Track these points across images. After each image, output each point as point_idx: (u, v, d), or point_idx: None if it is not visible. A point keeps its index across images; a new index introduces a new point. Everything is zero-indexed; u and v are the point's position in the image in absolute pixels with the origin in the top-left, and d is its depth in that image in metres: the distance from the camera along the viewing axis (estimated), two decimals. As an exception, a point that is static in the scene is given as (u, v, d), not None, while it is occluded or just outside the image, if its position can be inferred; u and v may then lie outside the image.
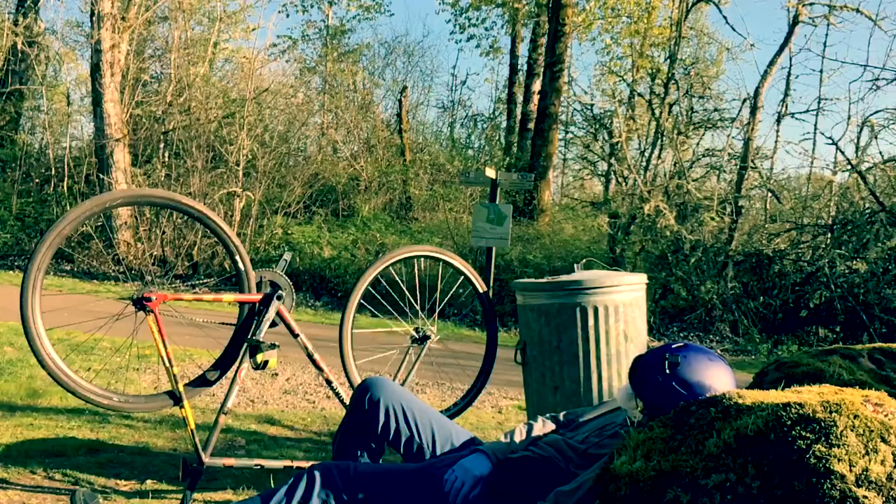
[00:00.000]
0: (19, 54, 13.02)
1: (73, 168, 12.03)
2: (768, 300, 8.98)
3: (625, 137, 11.25)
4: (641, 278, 2.89)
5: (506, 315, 8.95)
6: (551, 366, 2.82)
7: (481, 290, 3.14)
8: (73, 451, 2.96)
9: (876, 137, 9.63)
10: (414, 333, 3.00)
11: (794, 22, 10.00)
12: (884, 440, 1.22)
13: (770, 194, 10.38)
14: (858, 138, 10.06)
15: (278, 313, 2.60)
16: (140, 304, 2.35)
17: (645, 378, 1.73)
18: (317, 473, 1.80)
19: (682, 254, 9.55)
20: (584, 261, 3.26)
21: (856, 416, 1.26)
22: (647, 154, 11.41)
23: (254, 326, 2.55)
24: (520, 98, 15.44)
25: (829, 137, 10.97)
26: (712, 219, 9.40)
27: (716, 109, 12.42)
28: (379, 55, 19.63)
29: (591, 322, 2.73)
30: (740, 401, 1.40)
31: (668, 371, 1.68)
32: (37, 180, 12.77)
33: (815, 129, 12.75)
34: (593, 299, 2.73)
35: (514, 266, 10.15)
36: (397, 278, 3.06)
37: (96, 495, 2.31)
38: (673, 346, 1.75)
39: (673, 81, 11.27)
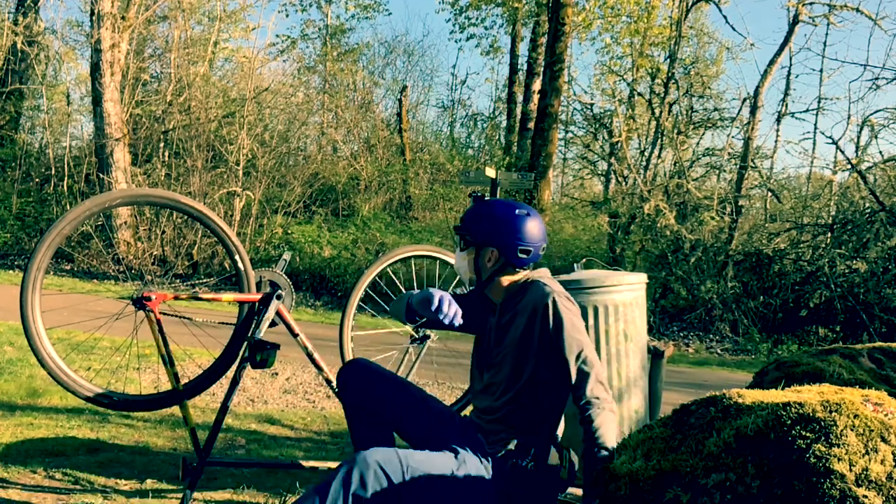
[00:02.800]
0: (19, 54, 13.01)
1: (73, 167, 12.02)
2: (768, 300, 8.97)
3: (625, 137, 11.25)
4: (641, 278, 2.89)
5: (506, 315, 8.94)
6: (551, 365, 2.82)
7: (481, 290, 3.13)
8: (73, 451, 2.96)
9: (876, 137, 9.65)
10: (413, 333, 3.00)
11: (794, 21, 10.00)
12: (884, 440, 1.22)
13: (770, 194, 10.37)
14: (858, 138, 10.08)
15: (278, 313, 2.60)
16: (140, 303, 2.36)
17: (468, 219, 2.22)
18: (370, 460, 1.73)
19: (682, 253, 9.55)
20: (583, 260, 3.25)
21: (856, 416, 1.26)
22: (647, 154, 11.41)
23: (253, 326, 2.55)
24: (520, 97, 15.43)
25: (829, 137, 11.00)
26: (712, 218, 9.40)
27: (716, 109, 12.43)
28: (379, 55, 19.58)
29: (591, 322, 2.73)
30: (740, 400, 1.40)
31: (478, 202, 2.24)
32: (37, 180, 12.76)
33: (815, 128, 12.81)
34: (593, 299, 2.73)
35: (514, 266, 10.14)
36: (397, 278, 3.06)
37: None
38: None
39: (673, 81, 11.26)
